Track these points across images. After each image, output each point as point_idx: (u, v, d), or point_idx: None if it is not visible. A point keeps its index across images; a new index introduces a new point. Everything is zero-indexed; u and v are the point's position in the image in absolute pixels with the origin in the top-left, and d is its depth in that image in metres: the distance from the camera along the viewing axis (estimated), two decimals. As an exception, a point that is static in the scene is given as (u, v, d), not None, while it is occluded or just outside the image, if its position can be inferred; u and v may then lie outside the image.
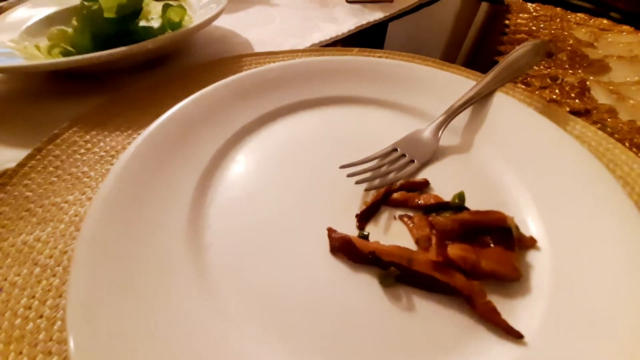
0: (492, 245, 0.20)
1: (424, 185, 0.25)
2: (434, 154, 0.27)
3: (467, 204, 0.23)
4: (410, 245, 0.21)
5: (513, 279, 0.19)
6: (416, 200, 0.24)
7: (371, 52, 0.41)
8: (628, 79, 0.39)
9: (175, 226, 0.22)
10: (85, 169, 0.27)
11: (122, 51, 0.32)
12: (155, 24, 0.38)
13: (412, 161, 0.27)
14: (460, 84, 0.32)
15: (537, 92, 0.36)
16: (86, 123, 0.30)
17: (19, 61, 0.34)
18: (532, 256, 0.21)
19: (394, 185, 0.25)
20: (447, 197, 0.24)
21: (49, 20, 0.43)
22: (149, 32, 0.37)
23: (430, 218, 0.22)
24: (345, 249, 0.21)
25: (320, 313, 0.18)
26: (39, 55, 0.35)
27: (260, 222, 0.23)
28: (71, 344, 0.15)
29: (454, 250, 0.20)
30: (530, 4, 0.59)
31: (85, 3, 0.34)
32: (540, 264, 0.20)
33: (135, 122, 0.31)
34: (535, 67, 0.41)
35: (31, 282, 0.20)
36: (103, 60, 0.31)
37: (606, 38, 0.47)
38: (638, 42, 0.46)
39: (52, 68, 0.33)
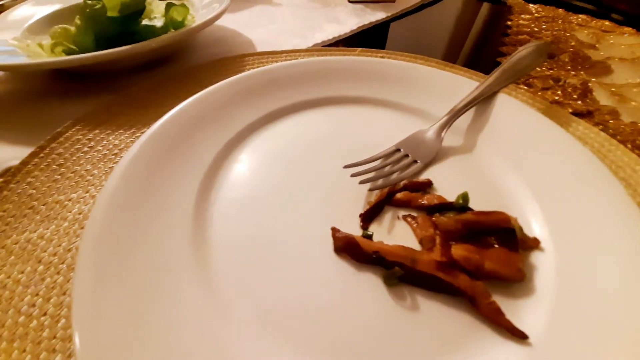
0: (496, 245, 0.20)
1: (427, 185, 0.25)
2: (437, 155, 0.27)
3: (471, 205, 0.23)
4: (414, 245, 0.21)
5: (517, 280, 0.19)
6: (420, 200, 0.24)
7: (373, 52, 0.41)
8: (630, 80, 0.39)
9: (180, 224, 0.22)
10: (89, 167, 0.27)
11: (125, 50, 0.32)
12: (158, 23, 0.38)
13: (416, 161, 0.27)
14: (462, 84, 0.32)
15: (539, 93, 0.37)
16: (89, 122, 0.30)
17: (22, 59, 0.34)
18: (535, 257, 0.21)
19: (398, 186, 0.25)
20: (451, 197, 0.24)
21: (52, 19, 0.43)
22: (151, 32, 0.37)
23: (434, 218, 0.22)
24: (349, 249, 0.21)
25: (324, 312, 0.18)
26: (41, 53, 0.35)
27: (264, 221, 0.23)
28: (77, 341, 0.15)
29: (458, 250, 0.20)
30: (532, 5, 0.59)
31: (89, 2, 0.34)
32: (543, 265, 0.20)
33: (138, 121, 0.31)
34: (537, 69, 0.41)
35: (35, 280, 0.20)
36: (106, 58, 0.31)
37: (608, 40, 0.47)
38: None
39: (55, 66, 0.33)
